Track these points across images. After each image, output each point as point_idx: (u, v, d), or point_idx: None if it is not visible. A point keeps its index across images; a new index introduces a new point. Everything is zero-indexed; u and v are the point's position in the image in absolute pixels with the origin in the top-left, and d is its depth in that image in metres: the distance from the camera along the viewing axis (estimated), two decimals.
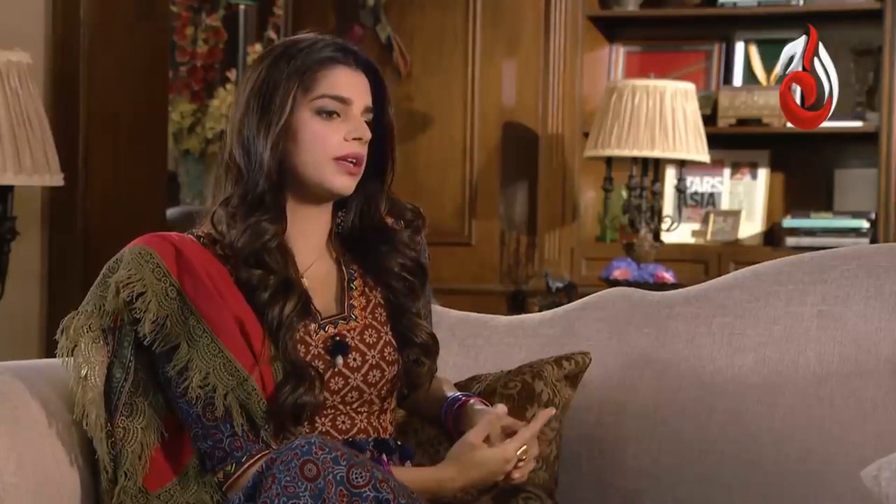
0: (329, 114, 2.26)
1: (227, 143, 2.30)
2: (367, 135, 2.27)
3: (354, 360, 2.27)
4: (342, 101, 2.26)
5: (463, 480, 2.22)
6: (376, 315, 2.32)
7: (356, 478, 2.01)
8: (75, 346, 2.25)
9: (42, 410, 2.30)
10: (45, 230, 4.39)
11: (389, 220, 2.36)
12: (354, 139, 2.26)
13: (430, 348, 2.36)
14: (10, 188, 3.96)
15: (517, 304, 5.60)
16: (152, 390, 2.24)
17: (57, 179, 3.98)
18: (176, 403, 2.21)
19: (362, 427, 2.29)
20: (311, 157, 2.25)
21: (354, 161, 2.26)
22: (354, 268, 2.35)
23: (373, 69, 2.33)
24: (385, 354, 2.30)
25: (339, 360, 2.26)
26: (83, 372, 2.24)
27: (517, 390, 2.47)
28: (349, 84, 2.28)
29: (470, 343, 2.72)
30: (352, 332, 2.29)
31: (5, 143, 3.83)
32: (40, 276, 4.33)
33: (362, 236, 2.36)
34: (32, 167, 3.88)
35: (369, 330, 2.30)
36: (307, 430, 2.23)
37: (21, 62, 3.90)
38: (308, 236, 2.31)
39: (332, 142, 2.25)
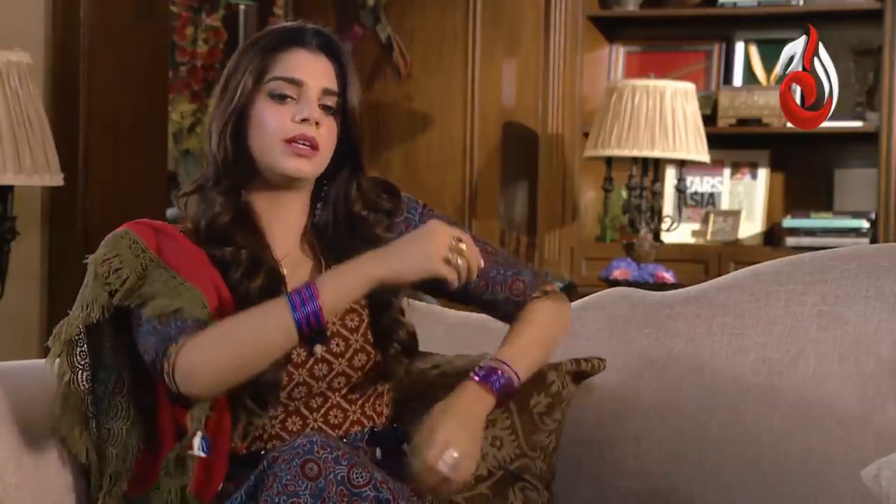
0: (282, 97, 2.24)
1: None
2: (315, 115, 2.23)
3: (338, 345, 2.26)
4: (294, 82, 2.23)
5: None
6: (360, 301, 2.29)
7: (357, 477, 2.01)
8: (62, 352, 2.23)
9: (42, 410, 2.30)
10: (45, 230, 4.40)
11: (365, 213, 2.32)
12: (303, 120, 2.22)
13: (409, 347, 2.33)
14: (10, 188, 3.96)
15: None
16: (137, 391, 2.23)
17: (57, 179, 3.98)
18: (137, 336, 2.17)
19: (355, 419, 2.28)
20: (262, 141, 2.23)
21: (307, 143, 2.22)
22: (332, 258, 2.30)
23: (335, 51, 2.28)
24: (369, 337, 2.28)
25: (318, 348, 2.25)
26: (66, 378, 2.24)
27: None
28: (303, 66, 2.24)
29: (470, 343, 2.72)
30: (332, 316, 2.27)
31: (5, 143, 3.83)
32: (40, 276, 4.33)
33: (336, 227, 2.32)
34: (32, 167, 3.88)
35: (351, 314, 2.28)
36: (299, 426, 2.22)
37: (21, 62, 3.90)
38: (283, 224, 2.29)
39: (281, 124, 2.22)
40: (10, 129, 3.84)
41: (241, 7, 5.92)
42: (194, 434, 2.14)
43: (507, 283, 2.37)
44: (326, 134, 2.25)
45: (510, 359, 2.27)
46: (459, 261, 2.14)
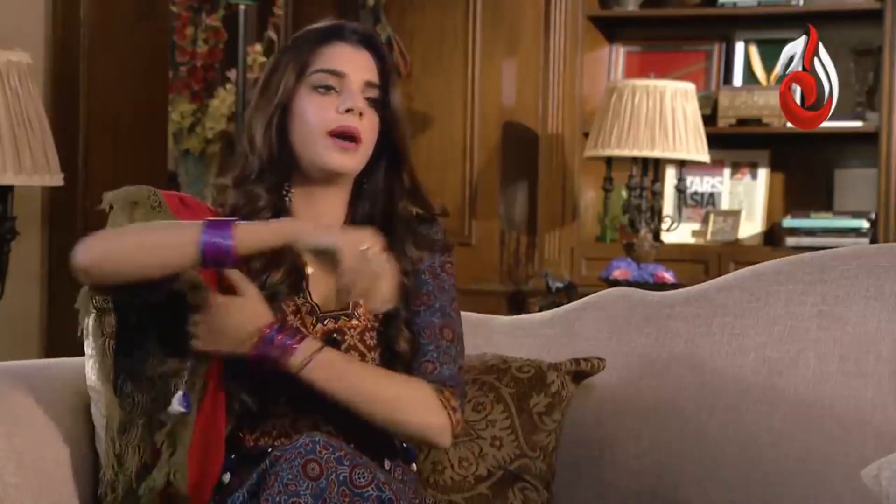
0: (326, 88, 2.25)
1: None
2: (360, 105, 2.24)
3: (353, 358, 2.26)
4: (336, 74, 2.25)
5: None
6: (378, 317, 2.30)
7: (359, 478, 2.00)
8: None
9: (42, 410, 2.31)
10: (45, 230, 4.39)
11: (410, 211, 2.32)
12: (347, 111, 2.23)
13: (406, 358, 2.30)
14: (10, 188, 3.96)
15: (517, 304, 5.60)
16: (162, 363, 2.21)
17: (57, 179, 3.98)
18: None
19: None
20: (305, 133, 2.24)
21: (350, 136, 2.23)
22: None
23: (375, 45, 2.30)
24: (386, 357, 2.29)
25: None
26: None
27: (529, 375, 2.49)
28: (344, 58, 2.26)
29: (470, 343, 2.72)
30: (352, 330, 2.27)
31: (5, 143, 3.83)
32: (40, 276, 4.33)
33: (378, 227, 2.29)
34: (32, 167, 3.87)
35: (370, 332, 2.29)
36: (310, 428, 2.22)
37: (21, 62, 3.90)
38: (319, 220, 2.27)
39: (324, 115, 2.23)
40: (10, 129, 3.84)
41: (241, 7, 5.92)
42: (176, 392, 2.15)
43: (426, 357, 2.29)
44: (369, 126, 2.26)
45: (332, 358, 2.19)
46: (365, 266, 2.06)
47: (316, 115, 2.23)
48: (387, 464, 2.26)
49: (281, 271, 2.21)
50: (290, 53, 2.28)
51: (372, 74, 2.27)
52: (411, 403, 2.23)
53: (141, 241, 2.12)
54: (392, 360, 2.29)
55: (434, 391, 2.25)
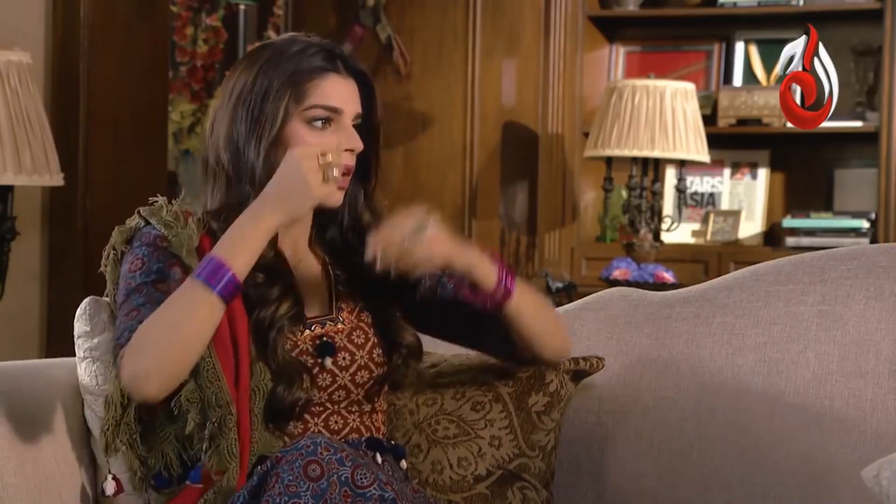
0: (322, 122, 2.25)
1: (210, 145, 2.29)
2: (359, 145, 2.26)
3: (343, 359, 2.27)
4: (333, 110, 2.25)
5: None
6: (363, 318, 2.33)
7: (361, 478, 2.00)
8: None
9: (42, 410, 2.31)
10: (45, 230, 4.40)
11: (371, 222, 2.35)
12: (346, 150, 2.24)
13: (416, 350, 2.34)
14: (10, 188, 3.97)
15: None
16: None
17: (57, 179, 3.98)
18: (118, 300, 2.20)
19: (354, 426, 2.30)
20: None
21: (345, 172, 2.24)
22: (340, 271, 2.35)
23: (362, 74, 2.31)
24: (374, 356, 2.30)
25: (328, 360, 2.26)
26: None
27: (528, 374, 2.49)
28: (340, 93, 2.26)
29: None
30: (339, 333, 2.29)
31: (5, 143, 3.83)
32: (40, 275, 4.34)
33: (344, 240, 2.35)
34: (32, 167, 3.88)
35: (357, 331, 2.31)
36: (301, 429, 2.23)
37: (21, 62, 3.90)
38: (293, 239, 2.32)
39: None
40: (10, 129, 3.84)
41: (241, 7, 5.92)
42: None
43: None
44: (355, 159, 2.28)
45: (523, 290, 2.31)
46: (336, 172, 2.14)
47: None
48: (378, 457, 2.27)
49: (287, 304, 2.22)
50: (280, 79, 2.23)
51: (358, 105, 2.28)
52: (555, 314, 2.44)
53: (177, 343, 2.08)
54: (394, 353, 2.31)
55: None
